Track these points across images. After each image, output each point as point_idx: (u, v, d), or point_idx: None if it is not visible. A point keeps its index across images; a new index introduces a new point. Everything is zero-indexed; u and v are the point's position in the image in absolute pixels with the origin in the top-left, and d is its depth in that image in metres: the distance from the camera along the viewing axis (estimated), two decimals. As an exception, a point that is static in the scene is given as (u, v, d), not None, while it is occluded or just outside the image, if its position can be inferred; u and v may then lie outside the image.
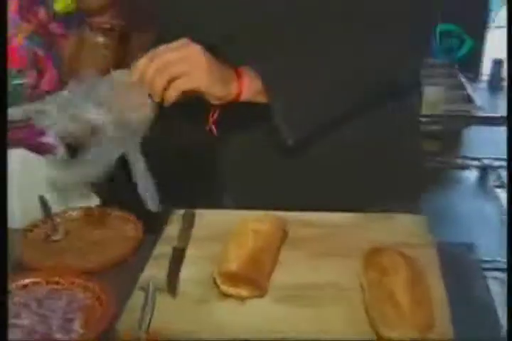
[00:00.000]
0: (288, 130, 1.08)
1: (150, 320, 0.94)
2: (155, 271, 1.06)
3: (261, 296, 0.99)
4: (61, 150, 1.43)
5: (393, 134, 1.23)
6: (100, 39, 1.38)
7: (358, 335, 0.91)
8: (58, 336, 0.96)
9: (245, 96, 1.07)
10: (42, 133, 1.45)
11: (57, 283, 1.07)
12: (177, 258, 1.07)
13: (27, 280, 1.07)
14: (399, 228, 1.14)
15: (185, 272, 1.05)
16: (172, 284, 1.02)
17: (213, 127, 1.15)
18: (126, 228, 1.21)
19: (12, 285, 1.05)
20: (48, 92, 1.46)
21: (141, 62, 1.04)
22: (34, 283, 1.07)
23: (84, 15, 1.40)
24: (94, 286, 1.04)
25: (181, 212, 1.21)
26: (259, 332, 0.92)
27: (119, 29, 1.39)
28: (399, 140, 1.24)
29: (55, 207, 1.30)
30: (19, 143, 1.44)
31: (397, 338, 0.87)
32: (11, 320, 0.98)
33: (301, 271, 1.05)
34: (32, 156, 1.44)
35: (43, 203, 1.23)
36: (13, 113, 1.42)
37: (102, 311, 1.00)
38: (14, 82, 1.43)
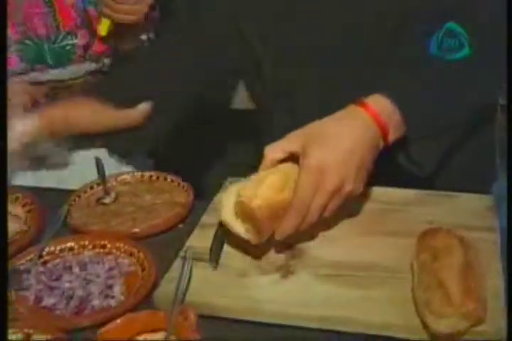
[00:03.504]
0: (424, 162, 1.03)
1: (186, 291, 0.91)
2: (199, 240, 1.03)
3: (255, 242, 0.95)
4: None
5: None
6: None
7: (403, 321, 0.85)
8: (96, 302, 0.95)
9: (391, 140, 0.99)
10: None
11: (103, 246, 1.06)
12: (223, 229, 1.03)
13: (73, 243, 1.06)
14: (462, 208, 1.06)
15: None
16: (215, 255, 0.99)
17: None
18: (178, 194, 1.18)
19: (56, 247, 1.05)
20: (101, 54, 1.45)
21: None
22: (81, 246, 1.06)
23: None
24: (139, 253, 1.02)
25: (232, 179, 1.17)
26: (297, 308, 0.88)
27: None
28: None
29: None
30: None
31: (443, 328, 0.81)
32: (51, 283, 0.98)
33: (350, 248, 0.99)
34: None
35: (98, 165, 1.21)
36: (62, 73, 1.43)
37: (144, 279, 0.98)
38: (64, 42, 1.42)
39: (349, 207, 1.02)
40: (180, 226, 1.12)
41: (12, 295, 0.96)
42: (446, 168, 1.07)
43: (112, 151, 1.41)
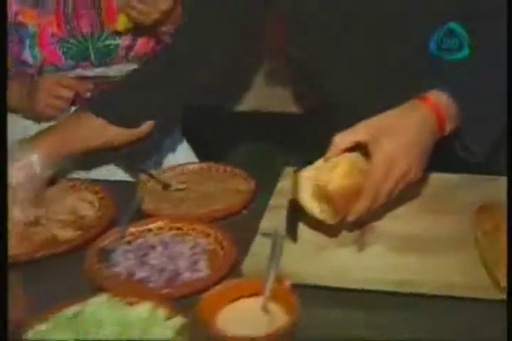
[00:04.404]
0: (477, 151, 1.10)
1: (279, 259, 0.99)
2: (273, 220, 1.12)
3: (330, 222, 1.05)
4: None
5: None
6: None
7: (471, 281, 0.96)
8: (187, 275, 1.02)
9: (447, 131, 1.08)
10: None
11: (179, 228, 1.13)
12: (294, 208, 1.11)
13: (152, 225, 1.13)
14: (503, 190, 1.17)
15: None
16: (292, 229, 1.08)
17: None
18: (238, 182, 1.26)
19: (135, 230, 1.12)
20: (144, 54, 1.52)
21: None
22: (158, 228, 1.13)
23: None
24: (217, 233, 1.10)
25: (292, 169, 1.26)
26: (376, 274, 0.98)
27: None
28: None
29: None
30: None
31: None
32: (140, 259, 1.05)
33: (413, 224, 1.10)
34: None
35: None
36: (105, 72, 1.50)
37: (225, 256, 1.05)
38: (108, 41, 1.46)
39: (408, 189, 1.13)
40: (245, 212, 1.20)
41: (103, 271, 1.04)
42: (496, 154, 1.17)
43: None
